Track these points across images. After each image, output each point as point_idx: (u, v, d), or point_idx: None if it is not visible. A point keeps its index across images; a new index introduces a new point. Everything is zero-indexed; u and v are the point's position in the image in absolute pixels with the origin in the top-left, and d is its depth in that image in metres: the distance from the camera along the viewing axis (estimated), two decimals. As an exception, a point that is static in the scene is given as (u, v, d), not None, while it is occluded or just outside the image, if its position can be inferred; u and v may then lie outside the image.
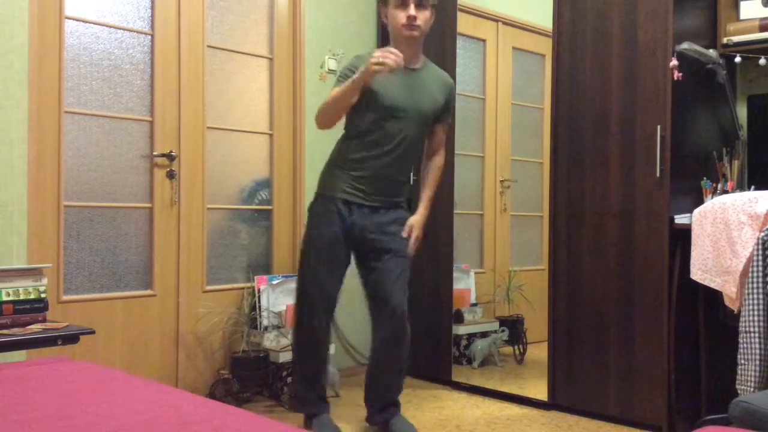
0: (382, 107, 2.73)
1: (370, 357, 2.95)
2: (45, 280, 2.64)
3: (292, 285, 3.56)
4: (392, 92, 2.74)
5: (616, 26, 3.09)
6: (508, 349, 4.01)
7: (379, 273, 2.79)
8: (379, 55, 2.55)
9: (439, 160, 2.97)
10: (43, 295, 2.62)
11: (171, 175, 3.31)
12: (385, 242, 2.80)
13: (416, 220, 2.87)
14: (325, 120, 2.80)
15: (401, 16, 2.73)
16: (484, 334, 4.03)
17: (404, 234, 2.83)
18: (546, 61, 3.48)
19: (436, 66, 2.99)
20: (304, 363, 2.92)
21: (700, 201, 2.94)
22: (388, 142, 2.76)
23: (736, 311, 2.52)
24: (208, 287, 3.45)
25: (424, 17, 2.76)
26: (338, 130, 3.78)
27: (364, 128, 2.78)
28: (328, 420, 2.90)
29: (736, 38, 3.02)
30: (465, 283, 4.05)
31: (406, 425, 2.86)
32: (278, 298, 3.49)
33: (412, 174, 2.94)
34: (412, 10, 2.71)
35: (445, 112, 2.92)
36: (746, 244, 2.47)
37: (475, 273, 4.13)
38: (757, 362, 2.35)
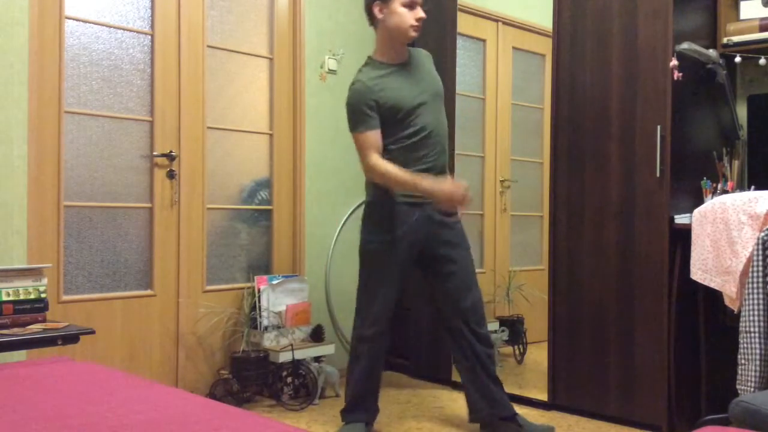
0: (406, 112, 2.74)
1: (465, 368, 2.91)
2: (45, 280, 2.64)
3: (292, 285, 3.56)
4: (405, 96, 2.76)
5: (616, 26, 3.09)
6: (508, 349, 4.01)
7: (456, 280, 2.83)
8: (458, 203, 2.66)
9: None
10: (43, 295, 2.62)
11: (171, 175, 3.31)
12: (453, 240, 2.82)
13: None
14: (377, 181, 2.77)
15: (410, 17, 2.74)
16: (484, 334, 4.02)
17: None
18: (546, 61, 3.48)
19: (410, 48, 2.98)
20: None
21: (700, 201, 2.94)
22: (427, 136, 2.77)
23: (736, 311, 2.52)
24: (208, 287, 3.45)
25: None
26: (339, 133, 3.80)
27: (401, 136, 2.75)
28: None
29: (736, 38, 3.02)
30: (465, 283, 4.04)
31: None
32: (278, 298, 3.49)
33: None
34: (421, 12, 2.75)
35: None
36: (746, 244, 2.47)
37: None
38: (757, 362, 2.35)
